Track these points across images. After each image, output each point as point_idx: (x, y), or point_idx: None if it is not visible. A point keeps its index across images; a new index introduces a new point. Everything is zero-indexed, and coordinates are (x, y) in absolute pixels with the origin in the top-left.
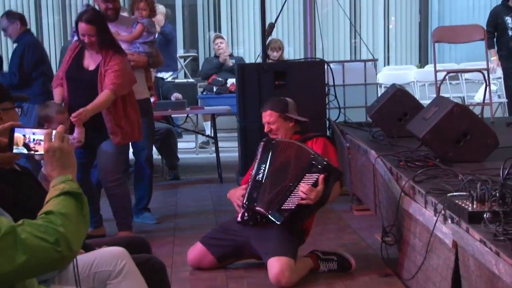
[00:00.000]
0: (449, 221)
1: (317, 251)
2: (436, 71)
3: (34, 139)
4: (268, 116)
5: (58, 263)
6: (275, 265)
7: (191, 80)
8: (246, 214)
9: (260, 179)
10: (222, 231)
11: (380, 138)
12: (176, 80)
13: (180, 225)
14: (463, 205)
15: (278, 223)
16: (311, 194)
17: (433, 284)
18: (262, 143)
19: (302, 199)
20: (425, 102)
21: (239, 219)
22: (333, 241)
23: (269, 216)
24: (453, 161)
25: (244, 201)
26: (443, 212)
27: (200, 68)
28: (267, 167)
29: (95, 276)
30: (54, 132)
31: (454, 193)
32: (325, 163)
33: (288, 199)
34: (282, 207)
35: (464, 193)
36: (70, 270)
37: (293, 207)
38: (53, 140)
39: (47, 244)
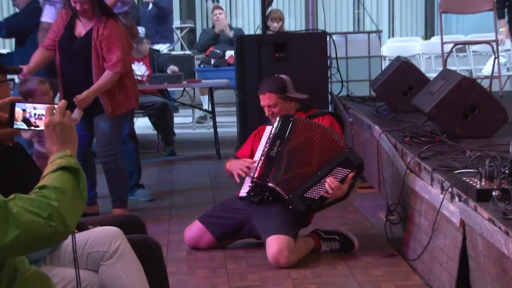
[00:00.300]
0: (456, 199)
1: (318, 230)
2: (442, 43)
3: (35, 114)
4: (267, 100)
5: (52, 239)
6: (274, 244)
7: (188, 52)
8: (252, 190)
9: (273, 155)
10: (222, 209)
11: (384, 113)
12: (172, 52)
13: (176, 203)
14: (471, 182)
15: (300, 210)
16: (338, 191)
17: (440, 265)
18: (278, 117)
19: (326, 192)
20: (431, 75)
21: (243, 194)
22: (335, 220)
23: (289, 199)
24: (460, 137)
25: (255, 175)
26: (450, 189)
27: (197, 40)
28: (284, 144)
29: (88, 257)
30: (55, 107)
31: (462, 170)
32: (360, 161)
33: (313, 188)
34: (305, 195)
35: (472, 170)
36: (62, 250)
37: (316, 197)
38: (54, 114)
39: (40, 219)
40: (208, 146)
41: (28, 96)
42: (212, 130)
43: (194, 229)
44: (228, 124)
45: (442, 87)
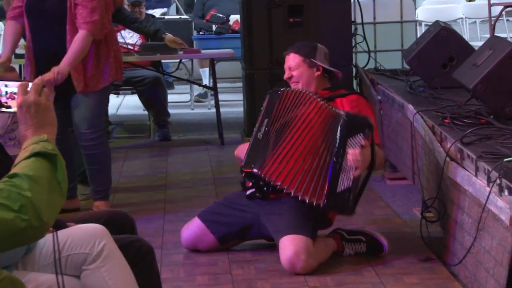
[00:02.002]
0: (506, 192)
1: (341, 229)
2: (490, 5)
3: (6, 92)
4: (290, 60)
5: (26, 235)
6: (288, 245)
7: (184, 16)
8: (253, 184)
9: (260, 137)
10: (227, 205)
11: (419, 89)
12: (166, 17)
13: (171, 197)
14: None
15: (350, 215)
16: (362, 159)
17: (485, 271)
18: (267, 95)
19: (354, 170)
20: (476, 44)
21: (249, 191)
22: (360, 217)
23: (328, 204)
24: (511, 118)
25: (242, 164)
26: (498, 181)
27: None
28: (271, 122)
29: (68, 260)
30: (30, 84)
31: None
32: (364, 118)
33: (341, 177)
34: (338, 191)
35: None
36: (36, 253)
37: (350, 185)
38: (28, 93)
39: (9, 211)
40: (209, 129)
41: None
42: (213, 110)
43: (193, 228)
44: (232, 103)
45: (489, 58)
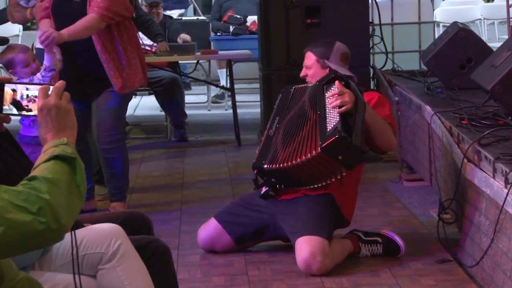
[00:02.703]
0: None
1: (357, 231)
2: (509, 6)
3: (27, 96)
4: (306, 58)
5: (44, 238)
6: (305, 247)
7: (202, 17)
8: (264, 182)
9: (271, 134)
10: (243, 205)
11: (437, 90)
12: (184, 18)
13: (188, 198)
14: None
15: (336, 136)
16: (343, 96)
17: (503, 272)
18: (280, 94)
19: (338, 107)
20: (495, 45)
21: (261, 193)
22: (377, 218)
23: (325, 149)
24: None
25: (254, 161)
26: None
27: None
28: (281, 119)
29: (84, 260)
30: (51, 88)
31: None
32: (331, 73)
33: (327, 121)
34: (327, 129)
35: None
36: (53, 252)
37: (337, 119)
38: (49, 96)
39: (27, 214)
40: (226, 130)
41: (10, 67)
42: (230, 111)
43: (210, 229)
44: (249, 104)
45: (507, 59)
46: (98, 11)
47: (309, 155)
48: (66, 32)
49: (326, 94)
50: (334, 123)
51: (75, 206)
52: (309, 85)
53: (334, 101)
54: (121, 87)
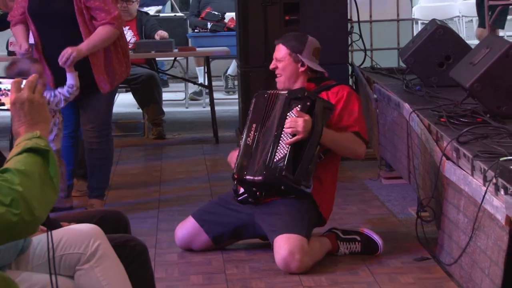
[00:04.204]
0: (502, 192)
1: (336, 229)
2: (487, 3)
3: (0, 89)
4: (278, 51)
5: (18, 230)
6: (283, 245)
7: (179, 14)
8: (241, 189)
9: (250, 142)
10: (221, 204)
11: (416, 88)
12: (161, 14)
13: (166, 196)
14: None
15: (276, 175)
16: (297, 124)
17: (481, 270)
18: (253, 98)
19: (289, 137)
20: (473, 42)
21: (239, 198)
22: (355, 216)
23: (264, 179)
24: (507, 117)
25: (234, 171)
26: (494, 180)
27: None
28: (260, 126)
29: (62, 260)
30: (24, 81)
31: (509, 157)
32: (300, 90)
33: (278, 147)
34: (274, 160)
35: None
36: (30, 252)
37: (286, 152)
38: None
39: (0, 205)
40: (203, 127)
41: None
42: (208, 108)
43: (187, 227)
44: (227, 101)
45: (486, 56)
46: (113, 23)
47: (251, 177)
48: (85, 46)
49: (288, 113)
50: (283, 154)
51: (49, 198)
52: (281, 92)
53: (287, 128)
54: (110, 87)
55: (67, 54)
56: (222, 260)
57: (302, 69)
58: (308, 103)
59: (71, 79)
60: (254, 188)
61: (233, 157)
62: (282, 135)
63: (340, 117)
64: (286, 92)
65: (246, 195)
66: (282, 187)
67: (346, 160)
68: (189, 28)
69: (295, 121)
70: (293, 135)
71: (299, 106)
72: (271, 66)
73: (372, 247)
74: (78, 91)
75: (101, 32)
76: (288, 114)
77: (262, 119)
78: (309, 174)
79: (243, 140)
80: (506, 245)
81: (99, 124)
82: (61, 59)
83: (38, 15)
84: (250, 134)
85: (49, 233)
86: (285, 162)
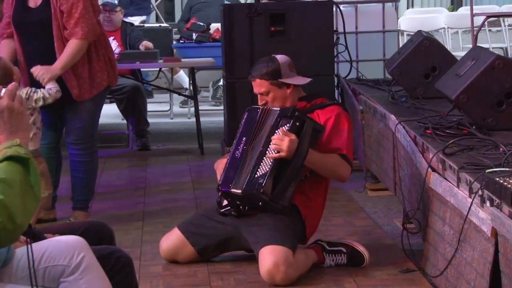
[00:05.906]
0: (488, 203)
1: (321, 241)
2: (472, 15)
3: None
4: (258, 87)
5: (1, 238)
6: (268, 257)
7: (164, 24)
8: (225, 201)
9: (238, 155)
10: (207, 216)
11: (401, 99)
12: (146, 25)
13: (150, 208)
14: (505, 183)
15: (254, 192)
16: (282, 142)
17: (467, 282)
18: (246, 112)
19: (276, 153)
20: (459, 54)
21: (221, 210)
22: (341, 228)
23: (242, 193)
24: (493, 129)
25: (219, 183)
26: (480, 192)
27: (175, 9)
28: (249, 141)
29: (46, 272)
30: (3, 90)
31: (495, 169)
32: (291, 110)
33: (261, 163)
34: (255, 175)
35: (507, 169)
36: (13, 264)
37: (268, 169)
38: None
39: None
40: (188, 138)
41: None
42: (193, 119)
43: (172, 239)
44: (213, 112)
45: (471, 68)
46: (78, 35)
47: (235, 189)
48: (59, 66)
49: (276, 131)
50: (264, 171)
51: (30, 206)
52: (273, 109)
53: (273, 144)
54: (78, 94)
55: (39, 75)
56: (207, 272)
57: (289, 90)
58: (298, 123)
59: (49, 84)
60: (237, 202)
61: (220, 163)
62: (267, 152)
63: (329, 138)
64: (278, 109)
65: (229, 207)
66: (260, 203)
67: None
68: (176, 35)
69: (281, 139)
70: (277, 152)
71: (287, 125)
72: (260, 103)
73: (358, 259)
74: (60, 94)
75: (71, 47)
76: (276, 131)
77: (253, 133)
78: (288, 194)
79: (232, 152)
80: (492, 257)
81: (82, 137)
82: (36, 78)
83: (20, 24)
84: (239, 147)
85: (29, 246)
86: (265, 180)
